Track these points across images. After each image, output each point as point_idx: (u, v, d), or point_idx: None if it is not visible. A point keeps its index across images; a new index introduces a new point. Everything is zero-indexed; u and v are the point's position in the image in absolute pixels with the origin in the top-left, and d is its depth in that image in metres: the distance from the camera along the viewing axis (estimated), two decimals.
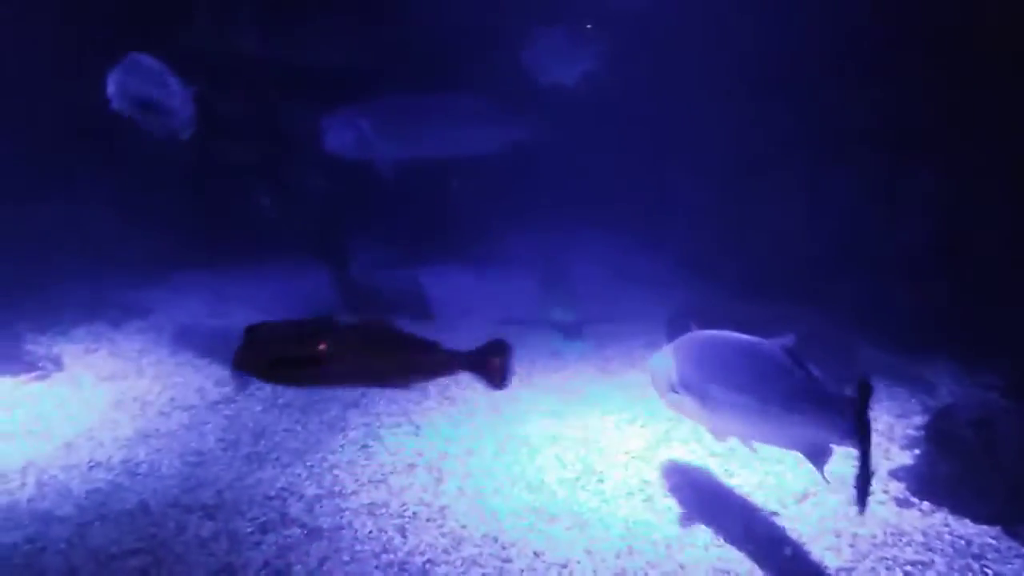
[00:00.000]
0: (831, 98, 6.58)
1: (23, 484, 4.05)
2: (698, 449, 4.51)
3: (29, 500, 3.90)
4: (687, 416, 3.75)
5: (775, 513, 3.92)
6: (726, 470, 4.27)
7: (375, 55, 7.34)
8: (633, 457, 4.39)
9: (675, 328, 5.50)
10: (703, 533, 3.72)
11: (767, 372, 3.47)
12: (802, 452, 3.43)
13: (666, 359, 3.77)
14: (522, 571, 3.43)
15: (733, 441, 4.48)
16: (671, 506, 3.94)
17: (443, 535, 3.67)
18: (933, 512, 3.94)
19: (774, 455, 4.40)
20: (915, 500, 4.03)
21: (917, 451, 4.38)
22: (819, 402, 3.35)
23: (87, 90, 6.13)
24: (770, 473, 4.23)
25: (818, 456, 3.42)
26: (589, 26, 6.93)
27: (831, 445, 3.37)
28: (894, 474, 4.25)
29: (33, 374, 5.40)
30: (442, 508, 3.89)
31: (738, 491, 4.09)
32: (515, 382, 4.64)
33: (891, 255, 6.13)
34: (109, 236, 7.49)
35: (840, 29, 6.29)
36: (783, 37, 6.51)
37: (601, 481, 4.15)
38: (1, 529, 3.65)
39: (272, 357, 3.01)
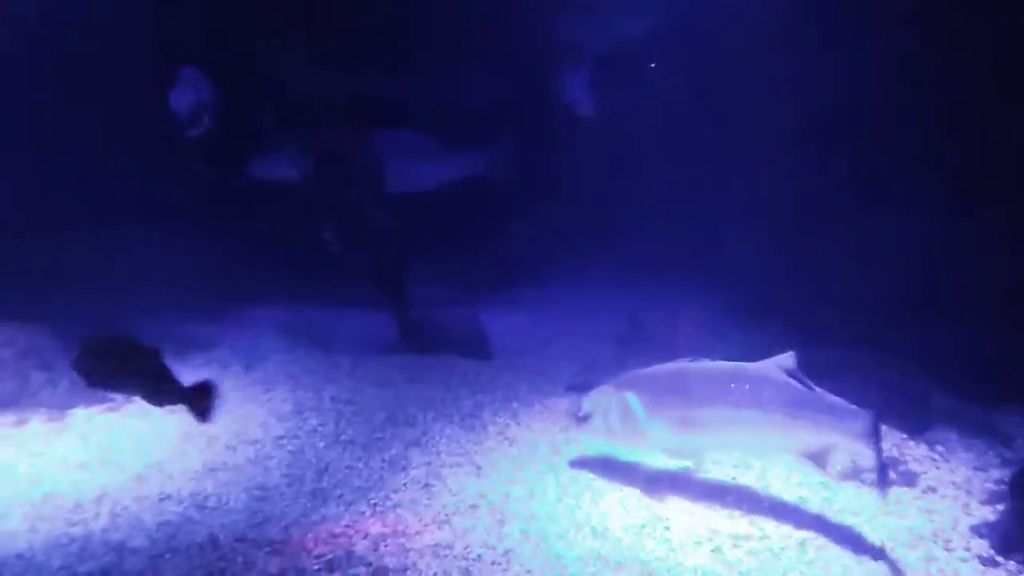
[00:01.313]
0: (893, 141, 6.50)
1: (97, 514, 4.14)
2: (764, 497, 4.40)
3: (103, 531, 3.99)
4: (635, 444, 4.45)
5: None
6: (796, 522, 4.14)
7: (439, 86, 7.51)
8: (699, 504, 4.30)
9: None
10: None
11: (764, 387, 4.07)
12: (805, 456, 4.05)
13: (616, 393, 4.39)
14: None
15: (804, 491, 4.38)
16: (740, 558, 3.83)
17: None
18: (1020, 573, 3.76)
19: (848, 507, 4.27)
20: (1000, 559, 3.85)
21: (1000, 506, 4.19)
22: (826, 408, 3.98)
23: (163, 125, 6.42)
24: (844, 526, 4.08)
25: (819, 459, 4.03)
26: (652, 65, 7.01)
27: (835, 446, 3.99)
28: (976, 530, 4.07)
29: (105, 405, 5.55)
30: (507, 552, 3.85)
31: (810, 544, 3.95)
32: (575, 423, 4.68)
33: (963, 300, 5.96)
34: (172, 269, 7.70)
35: (905, 73, 6.23)
36: (847, 80, 6.48)
37: (667, 528, 4.06)
38: (77, 559, 3.73)
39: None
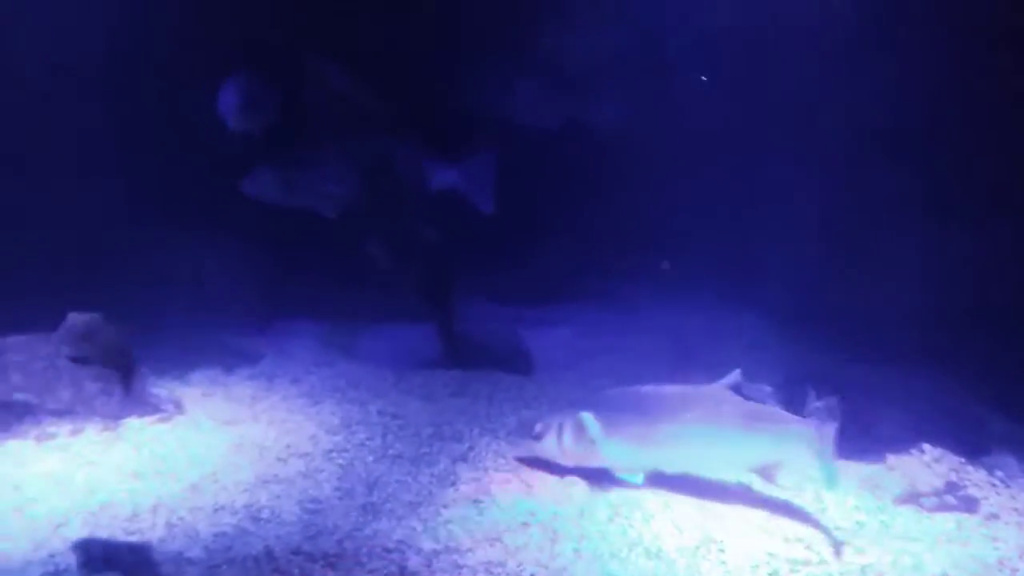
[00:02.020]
0: (963, 150, 6.40)
1: (154, 524, 4.20)
2: (821, 521, 4.32)
3: (160, 540, 4.03)
4: (588, 463, 4.61)
5: None
6: (855, 547, 4.06)
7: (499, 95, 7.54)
8: (754, 527, 4.24)
9: (789, 393, 5.35)
10: None
11: (719, 404, 4.39)
12: (755, 471, 4.40)
13: (571, 413, 4.61)
14: None
15: (861, 515, 4.30)
16: None
17: None
18: None
19: (908, 533, 4.18)
20: None
21: None
22: (780, 420, 4.39)
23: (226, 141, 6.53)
24: (905, 552, 4.00)
25: (769, 474, 4.37)
26: (704, 78, 6.97)
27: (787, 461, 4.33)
28: None
29: (157, 416, 5.63)
30: (560, 571, 3.83)
31: (871, 571, 3.87)
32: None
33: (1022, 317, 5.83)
34: (219, 282, 7.80)
35: (968, 86, 6.14)
36: (913, 85, 6.37)
37: (722, 551, 4.01)
38: (135, 570, 3.77)
39: None
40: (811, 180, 7.27)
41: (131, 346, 5.67)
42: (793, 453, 4.31)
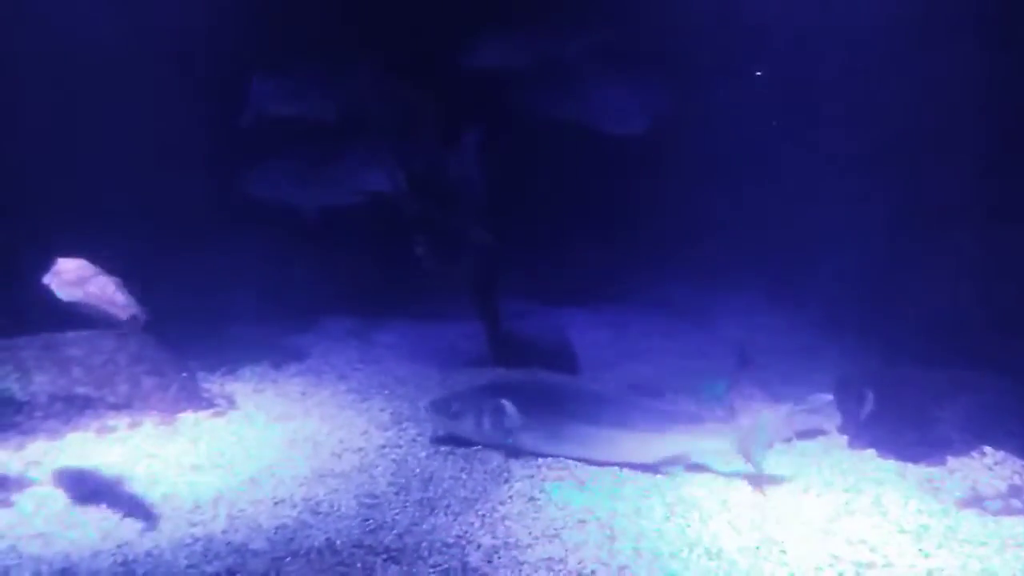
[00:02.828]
0: (1002, 157, 6.28)
1: (215, 516, 4.25)
2: (883, 523, 4.26)
3: (223, 532, 4.09)
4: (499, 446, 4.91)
5: None
6: (920, 550, 3.99)
7: None
8: (814, 528, 4.19)
9: (845, 394, 5.29)
10: None
11: (631, 409, 4.82)
12: (663, 463, 4.71)
13: (491, 398, 4.95)
14: None
15: (924, 518, 4.24)
16: None
17: None
18: None
19: (975, 536, 4.10)
20: None
21: None
22: (693, 421, 4.79)
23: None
24: (973, 556, 3.93)
25: (673, 464, 4.71)
26: (759, 73, 6.90)
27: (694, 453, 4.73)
28: None
29: (212, 410, 5.72)
30: (621, 569, 3.81)
31: (938, 575, 3.81)
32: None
33: None
34: (266, 280, 7.86)
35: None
36: (974, 83, 6.27)
37: (784, 552, 3.96)
38: (203, 559, 3.83)
39: None
40: (864, 180, 7.18)
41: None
42: (711, 452, 4.74)
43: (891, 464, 4.88)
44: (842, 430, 5.29)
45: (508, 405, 4.86)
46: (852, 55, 6.95)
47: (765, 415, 4.62)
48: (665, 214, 8.67)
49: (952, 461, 4.75)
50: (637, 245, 8.83)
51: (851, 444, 5.08)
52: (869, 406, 4.89)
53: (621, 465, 4.79)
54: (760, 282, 8.32)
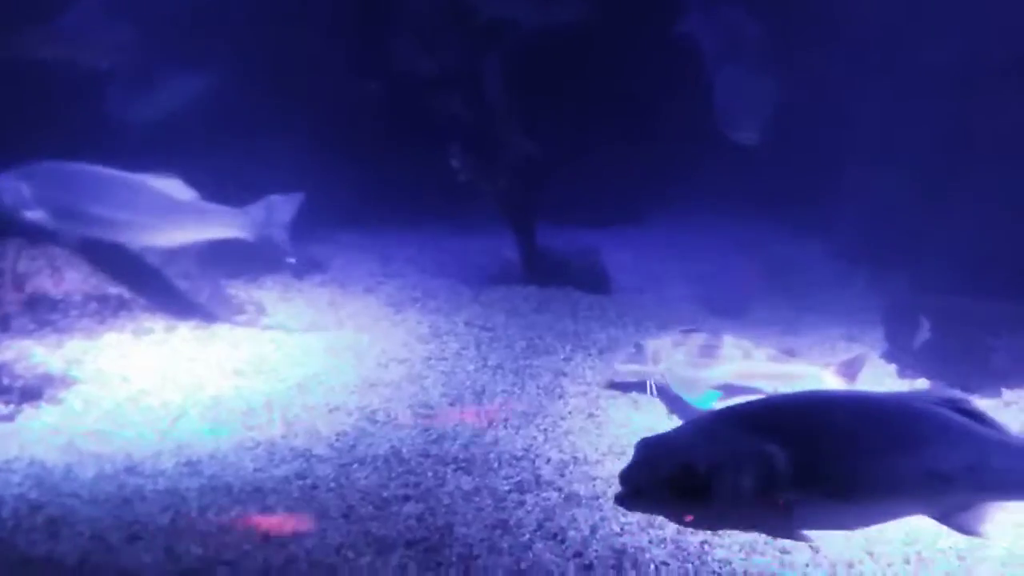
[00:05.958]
0: None
1: (271, 420, 4.14)
2: None
3: (283, 437, 3.98)
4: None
5: None
6: None
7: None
8: None
9: (897, 322, 5.24)
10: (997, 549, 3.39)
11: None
12: None
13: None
14: (806, 565, 3.28)
15: None
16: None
17: None
18: None
19: None
20: None
21: None
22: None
23: None
24: None
25: None
26: None
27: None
28: None
29: (245, 316, 5.54)
30: None
31: None
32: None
33: None
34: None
35: None
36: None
37: None
38: (268, 462, 3.72)
39: None
40: (901, 103, 6.97)
41: None
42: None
43: None
44: (889, 358, 5.26)
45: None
46: None
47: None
48: (689, 138, 8.45)
49: (1007, 393, 4.75)
50: (659, 169, 8.64)
51: (901, 374, 5.06)
52: (925, 335, 4.85)
53: None
54: (795, 209, 8.11)
